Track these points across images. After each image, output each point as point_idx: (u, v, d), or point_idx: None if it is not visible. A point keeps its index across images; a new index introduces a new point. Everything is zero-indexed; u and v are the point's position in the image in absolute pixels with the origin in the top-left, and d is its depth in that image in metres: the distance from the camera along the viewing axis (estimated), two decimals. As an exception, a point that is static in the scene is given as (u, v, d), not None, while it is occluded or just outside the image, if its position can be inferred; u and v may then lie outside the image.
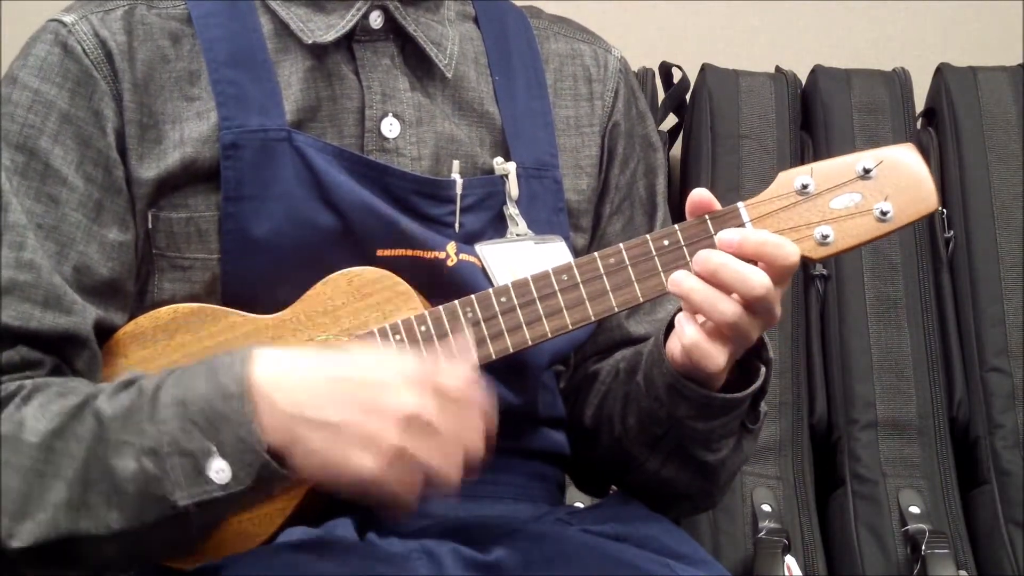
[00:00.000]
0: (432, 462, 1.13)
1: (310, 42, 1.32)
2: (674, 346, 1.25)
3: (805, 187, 1.22)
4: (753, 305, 1.20)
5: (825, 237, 1.22)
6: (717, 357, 1.22)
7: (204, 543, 1.22)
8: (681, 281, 1.21)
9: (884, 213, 1.21)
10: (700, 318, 1.21)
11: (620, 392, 1.37)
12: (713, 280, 1.20)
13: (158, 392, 1.17)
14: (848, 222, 1.22)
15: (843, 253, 1.23)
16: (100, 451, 1.16)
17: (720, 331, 1.21)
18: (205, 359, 1.19)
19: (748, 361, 1.29)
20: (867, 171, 1.22)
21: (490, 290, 1.25)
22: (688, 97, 2.27)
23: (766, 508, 1.97)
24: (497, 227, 1.36)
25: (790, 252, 1.20)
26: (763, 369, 1.29)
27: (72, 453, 1.17)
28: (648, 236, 1.24)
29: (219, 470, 1.14)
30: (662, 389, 1.29)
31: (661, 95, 2.30)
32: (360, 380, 1.14)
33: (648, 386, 1.31)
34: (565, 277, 1.24)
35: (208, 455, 1.14)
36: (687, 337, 1.21)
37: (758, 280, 1.19)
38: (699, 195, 1.24)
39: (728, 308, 1.20)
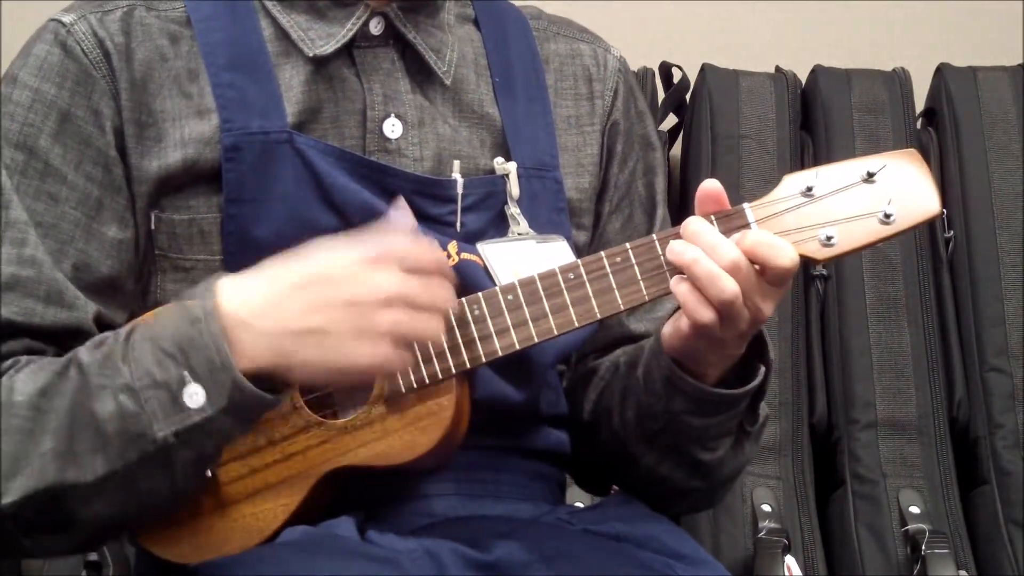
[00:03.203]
0: (421, 332, 1.17)
1: (311, 55, 1.32)
2: (669, 331, 1.26)
3: (810, 189, 1.22)
4: (722, 311, 1.20)
5: (829, 239, 1.22)
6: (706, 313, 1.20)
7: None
8: (683, 252, 1.21)
9: (887, 216, 1.22)
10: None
11: (619, 386, 1.37)
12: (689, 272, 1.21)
13: (131, 334, 1.19)
14: (852, 225, 1.22)
15: (847, 256, 1.23)
16: (82, 399, 1.18)
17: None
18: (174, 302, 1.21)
19: (749, 361, 1.29)
20: (871, 175, 1.22)
21: (496, 288, 1.25)
22: (688, 97, 2.27)
23: (766, 508, 1.97)
24: (498, 226, 1.36)
25: (785, 254, 1.20)
26: (762, 369, 1.29)
27: (57, 408, 1.18)
28: (654, 235, 1.24)
29: (193, 394, 1.16)
30: (659, 383, 1.29)
31: (661, 95, 2.30)
32: (327, 278, 1.16)
33: (647, 380, 1.31)
34: (572, 275, 1.24)
35: (182, 383, 1.16)
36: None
37: (728, 284, 1.19)
38: (709, 186, 1.24)
39: (728, 285, 1.20)
